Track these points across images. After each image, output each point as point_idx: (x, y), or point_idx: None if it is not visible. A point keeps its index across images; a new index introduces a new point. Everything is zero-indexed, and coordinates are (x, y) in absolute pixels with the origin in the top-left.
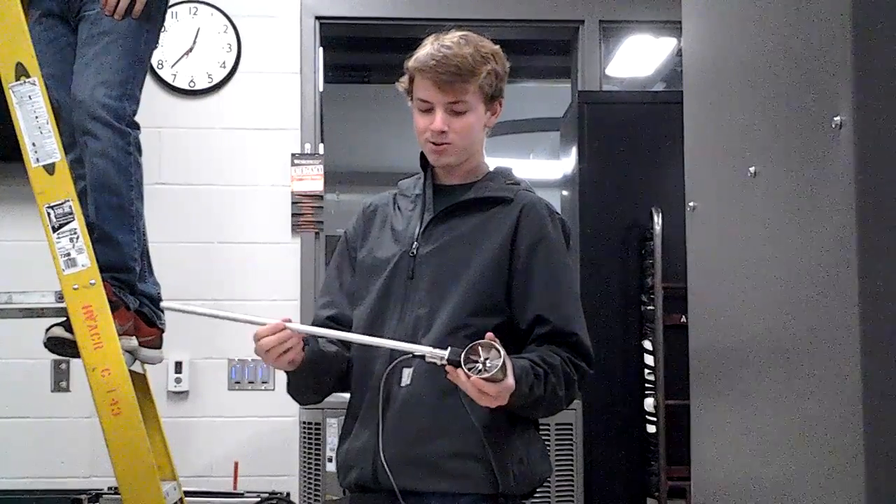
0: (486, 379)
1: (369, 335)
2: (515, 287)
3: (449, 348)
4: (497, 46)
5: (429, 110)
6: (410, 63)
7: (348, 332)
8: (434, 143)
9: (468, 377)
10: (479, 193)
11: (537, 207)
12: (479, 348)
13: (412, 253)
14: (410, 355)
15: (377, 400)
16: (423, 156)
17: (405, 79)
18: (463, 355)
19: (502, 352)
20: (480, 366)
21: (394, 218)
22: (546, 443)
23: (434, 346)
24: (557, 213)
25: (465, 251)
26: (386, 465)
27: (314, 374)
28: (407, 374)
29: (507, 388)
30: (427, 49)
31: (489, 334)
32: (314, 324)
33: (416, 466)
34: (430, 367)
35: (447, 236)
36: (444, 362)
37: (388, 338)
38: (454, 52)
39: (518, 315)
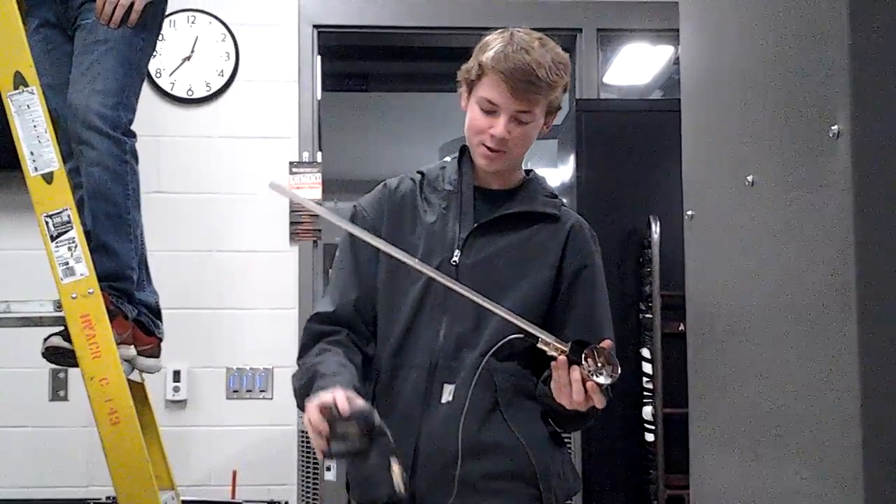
0: (597, 384)
1: (400, 346)
2: (555, 309)
3: (570, 343)
4: (566, 54)
5: (492, 112)
6: (485, 58)
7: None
8: (489, 148)
9: (585, 377)
10: (525, 207)
11: (584, 231)
12: (596, 352)
13: (454, 261)
14: (454, 369)
15: (414, 414)
16: (462, 150)
17: (472, 70)
18: (584, 353)
19: (618, 367)
20: (592, 368)
21: (423, 211)
22: None
23: (476, 366)
24: (594, 234)
25: (510, 267)
26: (424, 484)
27: None
28: (448, 391)
29: (603, 400)
30: (504, 47)
31: (607, 342)
32: (337, 307)
33: (459, 486)
34: (475, 382)
35: (491, 248)
36: (562, 355)
37: (428, 351)
38: (535, 59)
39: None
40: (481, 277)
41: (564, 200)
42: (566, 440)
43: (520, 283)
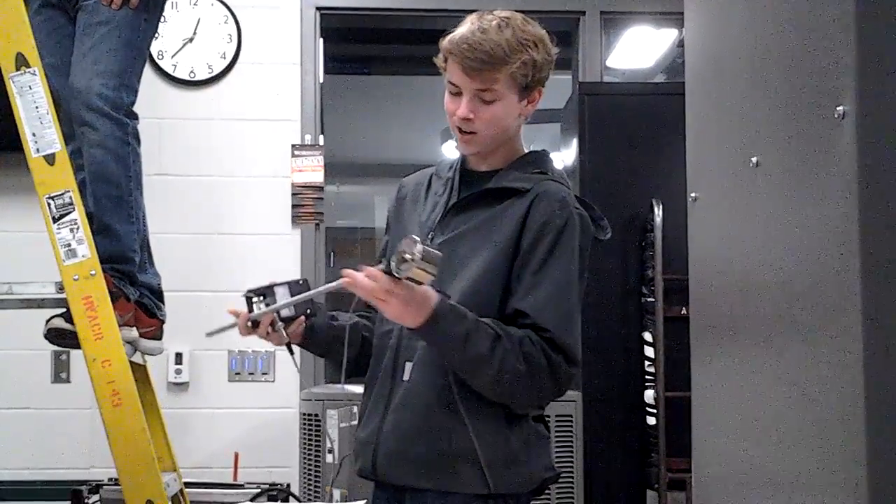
0: (395, 278)
1: (381, 324)
2: (512, 280)
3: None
4: (543, 32)
5: (458, 94)
6: (444, 42)
7: None
8: (460, 130)
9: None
10: (497, 183)
11: (550, 195)
12: (405, 247)
13: (421, 242)
14: (414, 347)
15: (384, 392)
16: None
17: (440, 57)
18: (395, 257)
19: (418, 247)
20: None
21: (425, 199)
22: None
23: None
24: (577, 207)
25: (473, 244)
26: (383, 461)
27: (318, 346)
28: (408, 369)
29: (419, 296)
30: (463, 30)
31: (406, 239)
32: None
33: (410, 463)
34: (429, 361)
35: (461, 228)
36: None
37: (396, 330)
38: (488, 38)
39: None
40: (446, 257)
41: (563, 177)
42: (540, 421)
43: (475, 260)
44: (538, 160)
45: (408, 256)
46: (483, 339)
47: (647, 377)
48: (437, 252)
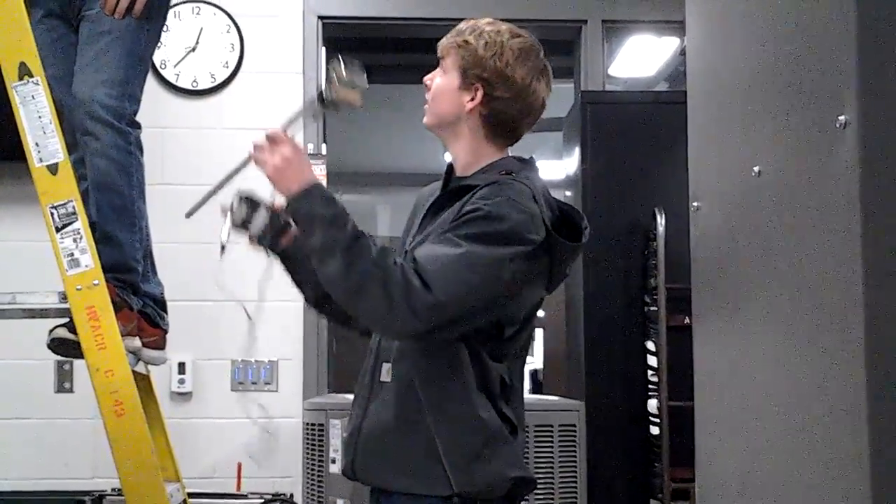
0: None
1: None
2: None
3: None
4: (519, 47)
5: None
6: None
7: None
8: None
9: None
10: (457, 183)
11: (493, 188)
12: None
13: (406, 249)
14: (391, 349)
15: (364, 393)
16: None
17: None
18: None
19: (338, 65)
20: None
21: (428, 206)
22: (549, 444)
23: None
24: (539, 206)
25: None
26: (360, 461)
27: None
28: (386, 371)
29: (302, 164)
30: None
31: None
32: None
33: (382, 463)
34: (400, 359)
35: (428, 228)
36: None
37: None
38: (456, 28)
39: None
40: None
41: (536, 183)
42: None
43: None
44: (509, 164)
45: (333, 76)
46: (347, 230)
47: (650, 386)
48: (358, 68)
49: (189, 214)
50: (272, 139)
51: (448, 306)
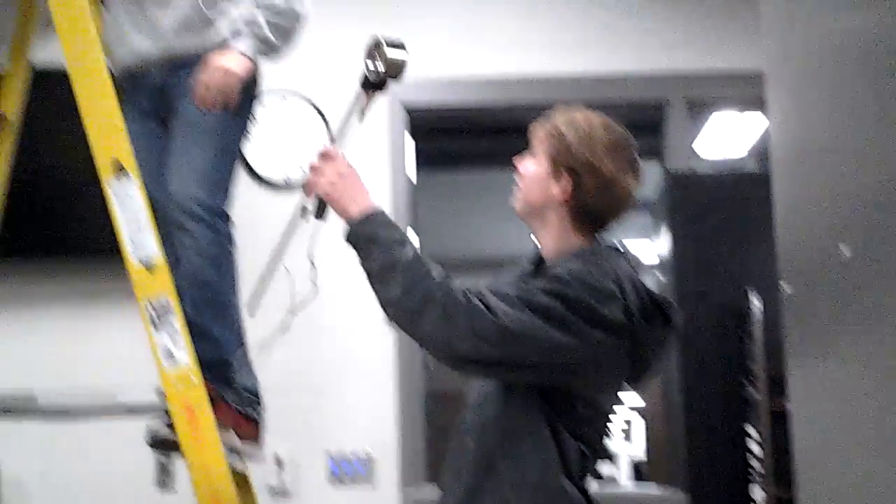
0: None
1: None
2: None
3: None
4: (608, 138)
5: None
6: None
7: None
8: None
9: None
10: (538, 269)
11: (554, 268)
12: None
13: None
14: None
15: (455, 465)
16: None
17: None
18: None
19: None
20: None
21: None
22: None
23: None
24: (589, 282)
25: None
26: None
27: None
28: (469, 446)
29: (358, 184)
30: None
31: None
32: None
33: None
34: (479, 432)
35: None
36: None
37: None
38: (550, 118)
39: None
40: None
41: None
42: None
43: None
44: (585, 251)
45: (374, 49)
46: (410, 252)
47: (749, 473)
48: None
49: (252, 307)
50: (325, 156)
51: (507, 332)
